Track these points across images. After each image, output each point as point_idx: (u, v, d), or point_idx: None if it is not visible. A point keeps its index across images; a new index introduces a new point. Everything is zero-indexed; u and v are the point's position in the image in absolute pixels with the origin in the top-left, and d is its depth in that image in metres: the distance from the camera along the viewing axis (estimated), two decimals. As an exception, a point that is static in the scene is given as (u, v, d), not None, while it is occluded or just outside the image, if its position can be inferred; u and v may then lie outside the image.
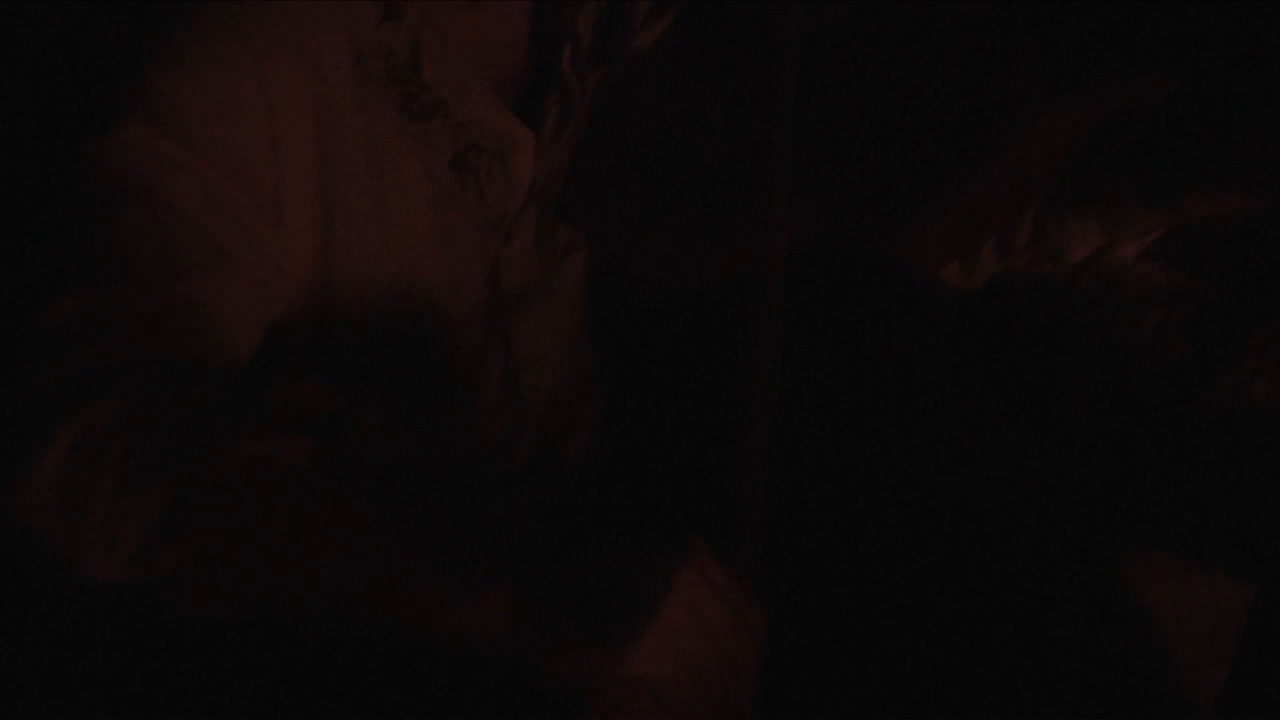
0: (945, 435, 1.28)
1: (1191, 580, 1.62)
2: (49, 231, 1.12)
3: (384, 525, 1.03)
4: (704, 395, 1.39)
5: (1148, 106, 1.38)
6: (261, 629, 1.12)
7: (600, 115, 1.40)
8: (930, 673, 1.25)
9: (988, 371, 1.34)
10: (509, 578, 1.03)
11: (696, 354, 1.42)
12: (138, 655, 1.15)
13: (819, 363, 1.30)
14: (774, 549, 1.32)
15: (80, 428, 1.02)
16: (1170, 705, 1.26)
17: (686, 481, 1.39)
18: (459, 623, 1.02)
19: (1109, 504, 1.57)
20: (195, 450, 1.03)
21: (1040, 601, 1.26)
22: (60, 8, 1.37)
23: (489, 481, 1.36)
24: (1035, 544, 1.28)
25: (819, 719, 1.28)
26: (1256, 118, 1.43)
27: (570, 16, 1.34)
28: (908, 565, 1.27)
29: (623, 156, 1.40)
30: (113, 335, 1.06)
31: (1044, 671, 1.24)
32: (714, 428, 1.31)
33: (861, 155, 1.41)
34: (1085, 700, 1.24)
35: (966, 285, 1.58)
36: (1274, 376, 1.59)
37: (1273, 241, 1.65)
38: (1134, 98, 1.32)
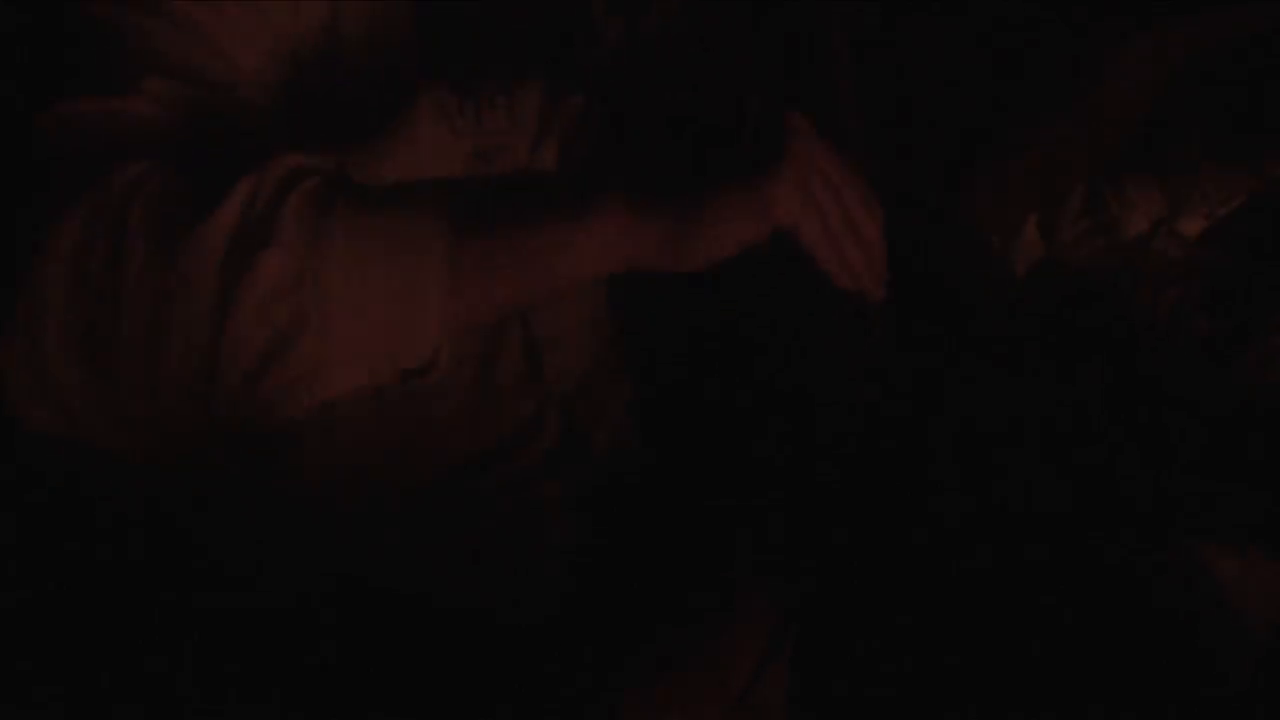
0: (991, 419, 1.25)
1: (1224, 564, 1.58)
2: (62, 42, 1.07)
3: (465, 194, 1.00)
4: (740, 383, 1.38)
5: (1232, 49, 1.34)
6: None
7: (637, 83, 1.34)
8: (1000, 648, 1.23)
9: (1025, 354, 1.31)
10: (619, 193, 1.01)
11: (728, 343, 1.39)
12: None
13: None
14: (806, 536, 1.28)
15: (94, 201, 0.95)
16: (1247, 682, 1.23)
17: (725, 476, 1.36)
18: (583, 250, 1.01)
19: (1130, 491, 1.53)
20: (232, 175, 0.97)
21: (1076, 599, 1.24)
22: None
23: (518, 467, 1.30)
24: (1044, 538, 1.27)
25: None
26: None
27: None
28: (963, 549, 1.26)
29: (663, 122, 1.34)
30: (123, 128, 1.00)
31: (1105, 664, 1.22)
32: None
33: (928, 105, 1.36)
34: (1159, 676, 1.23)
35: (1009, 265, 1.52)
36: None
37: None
38: (1224, 32, 1.28)
